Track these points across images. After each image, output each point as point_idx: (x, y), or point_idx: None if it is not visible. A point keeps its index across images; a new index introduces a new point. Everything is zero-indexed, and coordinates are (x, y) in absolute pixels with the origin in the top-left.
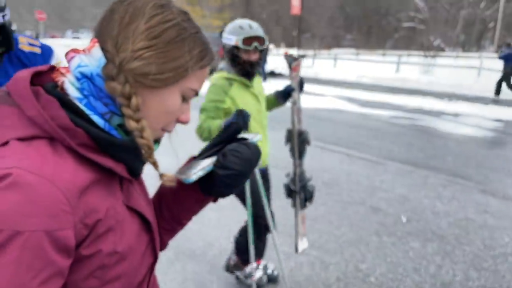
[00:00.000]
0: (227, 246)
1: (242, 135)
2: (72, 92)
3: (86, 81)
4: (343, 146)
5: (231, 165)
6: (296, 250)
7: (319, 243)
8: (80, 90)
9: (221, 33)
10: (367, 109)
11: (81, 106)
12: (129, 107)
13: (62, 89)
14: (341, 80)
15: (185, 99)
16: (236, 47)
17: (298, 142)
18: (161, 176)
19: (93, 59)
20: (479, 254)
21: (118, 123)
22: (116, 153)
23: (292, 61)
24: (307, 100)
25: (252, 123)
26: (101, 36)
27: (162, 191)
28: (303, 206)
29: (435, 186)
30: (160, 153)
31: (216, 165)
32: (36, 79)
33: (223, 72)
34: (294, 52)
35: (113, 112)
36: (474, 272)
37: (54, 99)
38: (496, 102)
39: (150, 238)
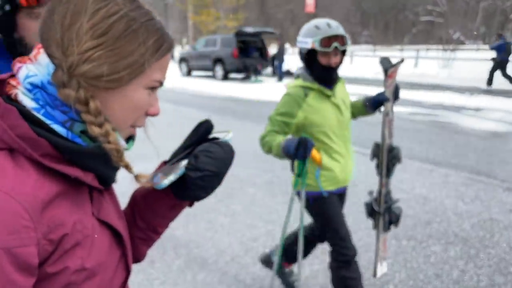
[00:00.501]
0: (239, 253)
1: (214, 134)
2: (28, 102)
3: (38, 91)
4: (360, 145)
5: (204, 166)
6: (375, 274)
7: None
8: (35, 100)
9: (235, 34)
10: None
11: (40, 116)
12: (88, 112)
13: (17, 101)
14: (358, 77)
15: (152, 91)
16: (312, 50)
17: (387, 158)
18: (137, 177)
19: (41, 67)
20: (505, 258)
21: (80, 130)
22: (84, 162)
23: (389, 67)
24: None
25: (333, 137)
26: (44, 41)
27: (135, 200)
28: (387, 229)
29: (457, 185)
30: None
31: (188, 167)
32: None
33: (298, 80)
34: None
35: (73, 119)
36: (500, 277)
37: (14, 108)
38: None
39: (122, 252)
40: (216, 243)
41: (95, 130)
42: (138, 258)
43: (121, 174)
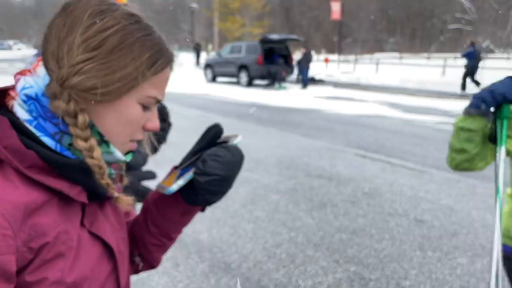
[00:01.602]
0: (262, 259)
1: (223, 138)
2: (22, 114)
3: (32, 103)
4: (386, 154)
5: (211, 171)
6: None
7: (358, 258)
8: (29, 111)
9: (260, 41)
10: (411, 114)
11: (31, 128)
12: (76, 126)
13: (12, 112)
14: (383, 85)
15: (146, 107)
16: None
17: None
18: (116, 199)
19: (38, 79)
20: None
21: (69, 143)
22: (70, 174)
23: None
24: (348, 106)
25: None
26: (43, 53)
27: (147, 206)
28: None
29: (484, 196)
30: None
31: (196, 172)
32: None
33: None
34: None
35: (63, 131)
36: None
37: (4, 119)
38: None
39: (114, 266)
40: (239, 248)
41: (80, 144)
42: (152, 265)
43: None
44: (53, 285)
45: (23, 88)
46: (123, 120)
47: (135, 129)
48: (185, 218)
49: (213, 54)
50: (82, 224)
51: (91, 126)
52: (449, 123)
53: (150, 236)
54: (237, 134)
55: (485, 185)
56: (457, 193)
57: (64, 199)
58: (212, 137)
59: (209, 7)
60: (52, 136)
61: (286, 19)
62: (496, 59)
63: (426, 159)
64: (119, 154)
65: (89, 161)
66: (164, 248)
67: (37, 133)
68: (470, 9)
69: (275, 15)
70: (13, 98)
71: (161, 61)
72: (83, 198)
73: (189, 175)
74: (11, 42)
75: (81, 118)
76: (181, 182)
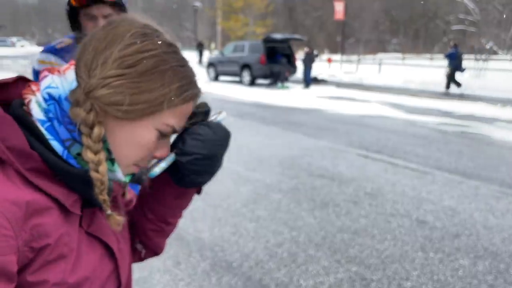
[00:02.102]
0: (264, 258)
1: (210, 118)
2: (36, 113)
3: (53, 104)
4: (388, 155)
5: (191, 150)
6: None
7: (360, 258)
8: (46, 111)
9: (263, 40)
10: (413, 115)
11: (42, 129)
12: (90, 137)
13: (27, 107)
14: (386, 86)
15: (162, 135)
16: None
17: None
18: (109, 216)
19: (66, 82)
20: None
21: (78, 152)
22: (71, 183)
23: None
24: (350, 106)
25: None
26: (77, 59)
27: (142, 192)
28: None
29: (487, 198)
30: None
31: (176, 152)
32: (1, 93)
33: None
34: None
35: (75, 139)
36: None
37: (10, 118)
38: None
39: (115, 265)
40: (240, 247)
41: (89, 156)
42: (155, 251)
43: None
44: (54, 286)
45: (48, 87)
46: (135, 142)
47: (143, 154)
48: (180, 201)
49: (216, 53)
50: (80, 225)
51: (103, 141)
52: (452, 124)
53: (147, 222)
54: (222, 110)
55: (488, 186)
56: (460, 194)
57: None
58: (200, 117)
59: (212, 6)
60: (62, 142)
61: (289, 19)
62: (500, 60)
63: (429, 159)
64: (120, 175)
65: (93, 174)
66: (163, 233)
67: (47, 136)
68: (474, 10)
69: (279, 15)
70: (33, 92)
71: (188, 93)
72: (76, 209)
73: (171, 156)
74: (14, 39)
75: (97, 130)
76: (163, 165)
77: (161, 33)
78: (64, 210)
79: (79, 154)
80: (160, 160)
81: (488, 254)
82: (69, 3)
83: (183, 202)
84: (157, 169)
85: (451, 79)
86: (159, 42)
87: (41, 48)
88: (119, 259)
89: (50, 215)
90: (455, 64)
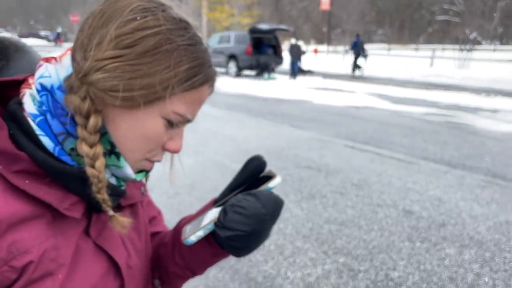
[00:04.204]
0: (255, 253)
1: (264, 173)
2: (28, 107)
3: (45, 95)
4: (374, 145)
5: (232, 226)
6: None
7: (347, 249)
8: (40, 104)
9: (249, 30)
10: (399, 106)
11: (33, 124)
12: (85, 128)
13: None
14: (372, 76)
15: (171, 124)
16: None
17: None
18: (111, 218)
19: (62, 69)
20: None
21: (72, 147)
22: (66, 183)
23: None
24: (336, 97)
25: None
26: (75, 41)
27: (177, 235)
28: None
29: (472, 187)
30: (184, 153)
31: (216, 224)
32: (11, 90)
33: None
34: (324, 48)
35: (69, 133)
36: None
37: None
38: None
39: (121, 283)
40: None
41: (84, 149)
42: None
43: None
44: None
45: (40, 77)
46: (140, 133)
47: (152, 146)
48: (215, 259)
49: None
50: (87, 234)
51: (103, 133)
52: (437, 114)
53: (174, 265)
54: (276, 173)
55: (473, 175)
56: (445, 184)
57: (57, 210)
58: (253, 171)
59: None
60: (55, 136)
61: (275, 9)
62: (484, 50)
63: (414, 150)
64: (129, 171)
65: (88, 170)
66: (185, 279)
67: (37, 131)
68: (458, 0)
69: (264, 5)
70: (29, 85)
71: (199, 77)
72: (75, 212)
73: (210, 225)
74: None
75: (93, 120)
76: (201, 233)
77: (169, 7)
78: (57, 216)
79: (73, 149)
80: (197, 227)
81: (473, 243)
82: None
83: (217, 260)
84: (194, 238)
85: (354, 64)
86: (164, 18)
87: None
88: (126, 277)
89: (32, 227)
90: (358, 51)
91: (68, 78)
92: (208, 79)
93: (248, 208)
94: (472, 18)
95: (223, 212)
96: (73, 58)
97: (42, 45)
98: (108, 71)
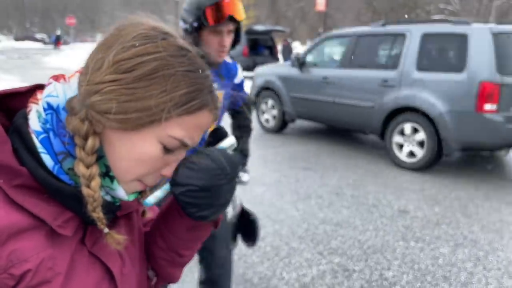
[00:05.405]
0: (247, 252)
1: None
2: (33, 123)
3: (50, 113)
4: (369, 145)
5: (183, 180)
6: None
7: (342, 249)
8: (44, 122)
9: (246, 32)
10: None
11: (36, 141)
12: (83, 149)
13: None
14: None
15: (168, 150)
16: None
17: None
18: (106, 235)
19: (69, 90)
20: None
21: (69, 167)
22: (61, 200)
23: None
24: None
25: None
26: (84, 65)
27: (157, 217)
28: None
29: (466, 186)
30: None
31: (170, 182)
32: (11, 101)
33: None
34: None
35: (69, 153)
36: (509, 280)
37: None
38: None
39: None
40: None
41: (81, 169)
42: (168, 280)
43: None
44: None
45: (48, 95)
46: (134, 155)
47: (147, 170)
48: (193, 234)
49: None
50: (83, 243)
51: (100, 156)
52: None
53: (158, 250)
54: (230, 135)
55: (468, 174)
56: (440, 183)
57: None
58: (216, 139)
59: None
60: (55, 155)
61: (271, 10)
62: None
63: None
64: (121, 193)
65: (84, 190)
66: (174, 264)
67: (40, 149)
68: (454, 0)
69: (261, 6)
70: (37, 101)
71: (196, 102)
72: (67, 230)
73: (166, 185)
74: None
75: (90, 142)
76: (158, 194)
77: (171, 35)
78: (52, 229)
79: (71, 169)
80: (155, 187)
81: (467, 242)
82: (198, 20)
83: (197, 234)
84: (152, 198)
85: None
86: (165, 45)
87: (19, 43)
88: (119, 284)
89: (31, 237)
90: (287, 57)
91: (70, 100)
92: (206, 105)
93: (197, 163)
94: (467, 17)
95: (176, 170)
96: (79, 80)
97: (38, 48)
98: (105, 93)
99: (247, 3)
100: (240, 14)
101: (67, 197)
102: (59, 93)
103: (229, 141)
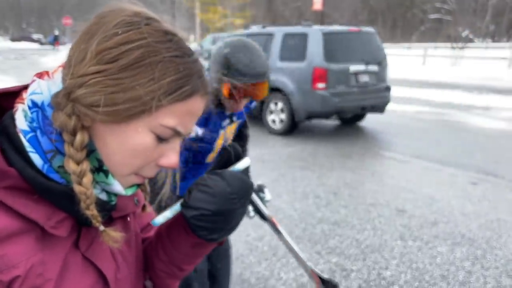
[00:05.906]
0: (244, 252)
1: (237, 165)
2: (20, 122)
3: (35, 111)
4: (367, 144)
5: (196, 204)
6: None
7: (340, 248)
8: (31, 120)
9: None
10: (392, 104)
11: (24, 140)
12: (71, 144)
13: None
14: None
15: (162, 139)
16: None
17: None
18: (102, 233)
19: (53, 86)
20: None
21: (59, 164)
22: (53, 200)
23: None
24: None
25: None
26: (66, 59)
27: (160, 230)
28: None
29: (464, 185)
30: None
31: (182, 204)
32: (4, 101)
33: None
34: None
35: (58, 150)
36: (507, 278)
37: None
38: None
39: None
40: None
41: (71, 166)
42: None
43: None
44: None
45: (32, 93)
46: (127, 148)
47: (142, 161)
48: (196, 251)
49: (195, 45)
50: (76, 246)
51: (91, 151)
52: (430, 112)
53: (159, 262)
54: (246, 157)
55: (465, 173)
56: (437, 182)
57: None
58: (224, 163)
59: None
60: (44, 153)
61: (268, 10)
62: (476, 48)
63: (407, 148)
64: (118, 187)
65: (76, 187)
66: (174, 277)
67: (28, 148)
68: None
69: (257, 5)
70: (22, 100)
71: (186, 88)
72: (61, 230)
73: (177, 206)
74: None
75: (79, 137)
76: (168, 214)
77: (155, 20)
78: (43, 234)
79: (61, 167)
80: (165, 207)
81: (465, 241)
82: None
83: (201, 251)
84: (161, 218)
85: None
86: (148, 31)
87: (15, 44)
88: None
89: (21, 242)
90: None
91: (55, 95)
92: (197, 90)
93: (212, 187)
94: (464, 16)
95: (188, 192)
96: (63, 74)
97: (34, 48)
98: (90, 86)
99: (244, 2)
100: (264, 95)
101: (58, 196)
102: (43, 90)
103: (245, 163)
